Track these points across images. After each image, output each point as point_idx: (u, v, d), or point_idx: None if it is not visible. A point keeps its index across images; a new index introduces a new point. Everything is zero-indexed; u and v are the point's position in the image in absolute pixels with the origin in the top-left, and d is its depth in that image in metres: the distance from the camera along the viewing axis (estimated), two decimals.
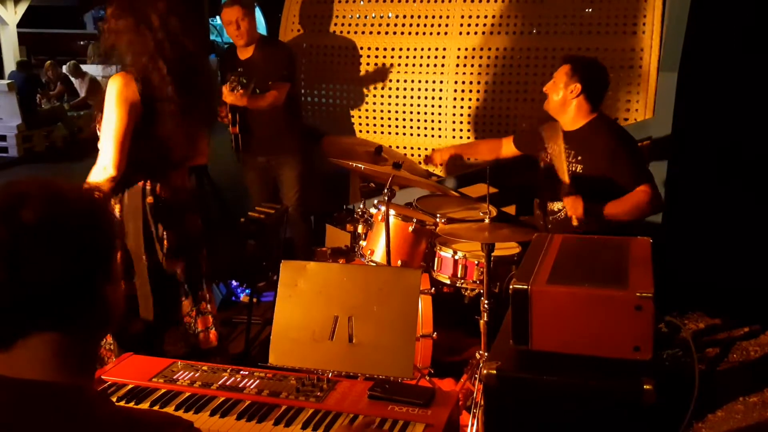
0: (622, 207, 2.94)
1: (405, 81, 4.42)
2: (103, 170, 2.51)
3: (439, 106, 4.35)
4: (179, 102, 2.55)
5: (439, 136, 4.38)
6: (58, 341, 1.09)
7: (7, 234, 1.04)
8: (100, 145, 2.56)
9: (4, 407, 1.04)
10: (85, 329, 1.13)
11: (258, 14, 5.94)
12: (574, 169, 3.07)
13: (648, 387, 1.74)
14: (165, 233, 2.64)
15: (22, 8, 10.82)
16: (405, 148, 4.48)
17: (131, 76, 2.50)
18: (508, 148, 3.52)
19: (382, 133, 4.53)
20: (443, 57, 4.32)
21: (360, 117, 4.58)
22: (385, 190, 3.05)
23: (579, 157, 3.07)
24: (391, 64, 4.43)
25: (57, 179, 1.12)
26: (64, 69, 11.30)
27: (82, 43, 13.46)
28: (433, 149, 3.80)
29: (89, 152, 2.70)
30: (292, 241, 4.39)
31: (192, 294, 2.73)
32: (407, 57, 4.40)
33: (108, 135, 2.50)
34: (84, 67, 10.67)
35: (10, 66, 10.66)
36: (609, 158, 2.99)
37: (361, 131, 4.57)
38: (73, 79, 10.89)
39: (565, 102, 3.09)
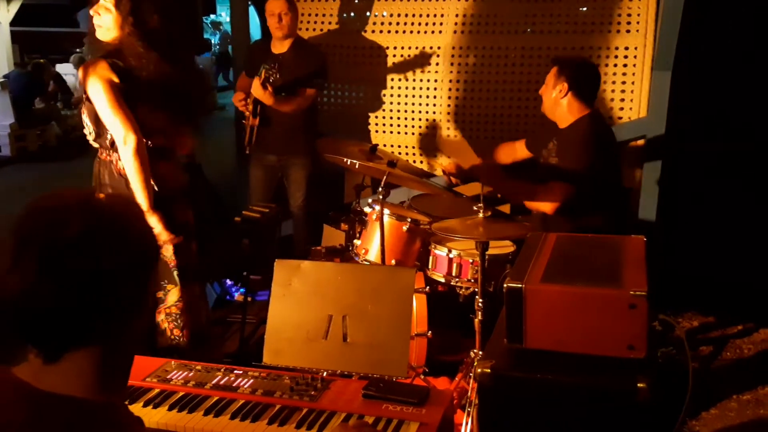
0: (530, 189, 3.09)
1: (399, 80, 4.42)
2: (124, 145, 2.54)
3: (434, 105, 4.35)
4: (155, 86, 2.58)
5: (434, 135, 4.38)
6: (100, 355, 1.08)
7: (52, 250, 1.03)
8: (90, 136, 2.58)
9: (36, 423, 1.03)
10: (126, 341, 1.12)
11: (252, 13, 5.93)
12: (552, 162, 3.17)
13: (642, 385, 1.74)
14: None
15: (14, 7, 10.76)
16: (400, 146, 4.48)
17: (104, 60, 2.55)
18: (522, 150, 3.55)
19: (377, 132, 4.53)
20: (437, 56, 4.32)
21: (355, 116, 4.57)
22: (380, 189, 3.05)
23: (558, 155, 3.16)
24: (386, 63, 4.43)
25: (92, 191, 1.12)
26: (58, 67, 11.25)
27: (79, 51, 13.47)
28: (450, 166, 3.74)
29: (82, 152, 2.70)
30: (294, 240, 4.38)
31: (179, 285, 2.72)
32: (401, 56, 4.40)
33: (106, 111, 2.53)
34: None
35: (2, 65, 10.61)
36: (570, 146, 3.09)
37: (356, 130, 4.56)
38: (76, 71, 10.90)
39: (556, 102, 3.17)
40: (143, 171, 2.56)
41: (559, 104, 3.14)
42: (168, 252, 2.70)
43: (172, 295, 2.73)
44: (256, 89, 3.85)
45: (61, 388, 1.05)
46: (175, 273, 2.72)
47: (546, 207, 3.04)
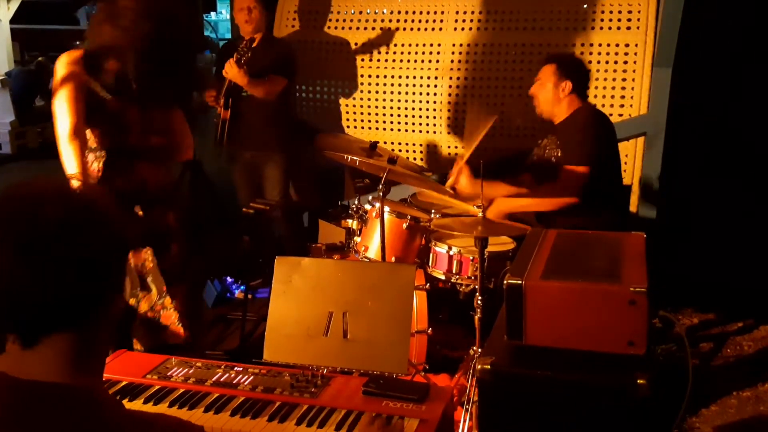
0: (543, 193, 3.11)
1: (399, 77, 4.41)
2: (64, 141, 2.58)
3: (434, 102, 4.35)
4: (137, 84, 2.56)
5: (434, 132, 4.38)
6: (75, 341, 1.08)
7: (29, 235, 1.03)
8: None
9: (19, 410, 1.03)
10: (101, 327, 1.12)
11: None
12: (554, 155, 3.20)
13: (642, 381, 1.74)
14: None
15: (14, 4, 10.75)
16: (399, 144, 4.48)
17: (78, 51, 2.56)
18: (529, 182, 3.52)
19: (377, 129, 4.53)
20: (437, 53, 4.31)
21: (354, 113, 4.57)
22: (380, 186, 3.05)
23: (561, 147, 3.19)
24: (386, 60, 4.43)
25: (64, 179, 1.13)
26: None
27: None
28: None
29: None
30: (281, 239, 4.38)
31: (158, 289, 2.69)
32: (401, 53, 4.40)
33: (58, 106, 2.59)
34: None
35: (2, 62, 10.61)
36: (573, 133, 3.12)
37: (355, 127, 4.57)
38: None
39: (557, 100, 3.20)
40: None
41: (561, 102, 3.19)
42: (140, 260, 2.65)
43: (144, 303, 2.68)
44: (231, 68, 3.84)
45: (39, 375, 1.06)
46: (149, 279, 2.66)
47: (567, 199, 3.06)
